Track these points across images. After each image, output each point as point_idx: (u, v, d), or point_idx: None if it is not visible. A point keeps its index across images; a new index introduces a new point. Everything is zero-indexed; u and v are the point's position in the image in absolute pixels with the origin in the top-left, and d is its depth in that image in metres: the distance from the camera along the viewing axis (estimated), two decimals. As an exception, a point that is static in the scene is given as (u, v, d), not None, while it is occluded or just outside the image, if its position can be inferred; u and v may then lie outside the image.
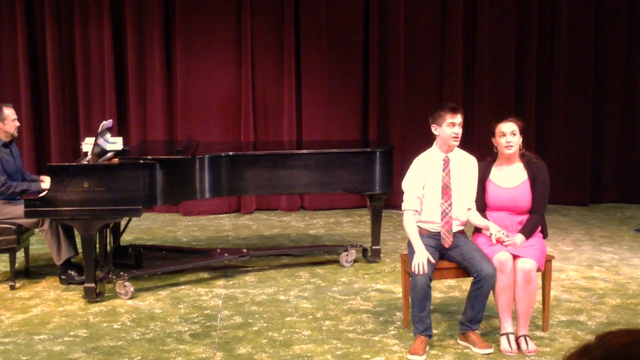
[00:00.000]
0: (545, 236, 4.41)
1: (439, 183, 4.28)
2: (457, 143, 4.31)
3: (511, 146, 4.27)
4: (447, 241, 4.26)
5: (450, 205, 4.27)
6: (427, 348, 4.17)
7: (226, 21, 8.16)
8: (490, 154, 4.43)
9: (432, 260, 4.12)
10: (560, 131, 8.57)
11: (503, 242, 4.17)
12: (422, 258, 4.08)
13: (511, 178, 4.33)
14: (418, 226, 4.28)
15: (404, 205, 4.30)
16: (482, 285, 4.12)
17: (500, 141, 4.30)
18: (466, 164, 4.37)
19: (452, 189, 4.28)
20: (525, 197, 4.29)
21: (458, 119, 4.26)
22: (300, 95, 8.34)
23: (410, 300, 4.23)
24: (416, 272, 4.06)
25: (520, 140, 4.31)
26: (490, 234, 4.18)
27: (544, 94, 8.58)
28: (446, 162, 4.31)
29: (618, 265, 6.00)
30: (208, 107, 8.20)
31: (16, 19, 7.91)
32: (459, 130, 4.26)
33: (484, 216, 4.35)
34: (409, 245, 4.25)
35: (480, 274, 4.11)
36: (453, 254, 4.28)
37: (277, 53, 8.23)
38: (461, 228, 4.36)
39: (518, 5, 8.44)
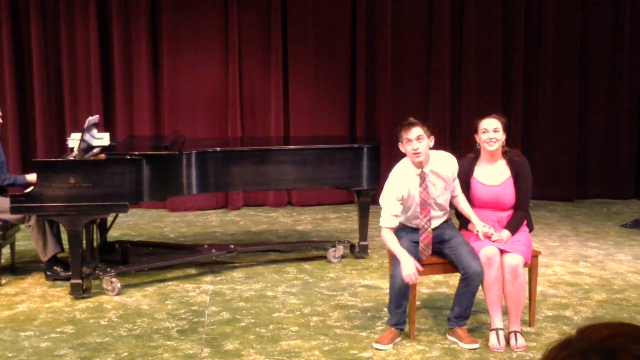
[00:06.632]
0: (531, 229, 4.42)
1: (418, 199, 4.19)
2: (421, 158, 4.13)
3: (494, 142, 4.24)
4: (425, 254, 4.20)
5: (429, 220, 4.19)
6: (398, 339, 4.20)
7: (213, 16, 8.13)
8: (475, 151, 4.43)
9: (420, 268, 4.12)
10: (547, 127, 8.62)
11: (490, 236, 4.18)
12: (410, 267, 4.04)
13: (495, 175, 4.33)
14: (401, 223, 4.25)
15: (382, 222, 4.19)
16: (470, 283, 4.13)
17: (482, 137, 4.28)
18: (445, 167, 4.23)
19: (431, 202, 4.19)
20: (509, 194, 4.30)
21: (413, 133, 4.10)
22: (287, 91, 8.33)
23: (389, 295, 4.25)
24: (408, 282, 4.06)
25: (504, 137, 4.30)
26: (477, 231, 4.20)
27: (530, 91, 8.62)
28: (422, 178, 4.18)
29: (604, 260, 6.04)
30: (195, 103, 8.18)
31: (0, 14, 7.85)
32: (417, 145, 4.10)
33: None
34: (392, 256, 4.22)
35: (467, 271, 4.11)
36: (441, 246, 4.27)
37: (265, 48, 8.22)
38: (445, 218, 4.32)
39: (504, 3, 8.46)
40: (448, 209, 4.34)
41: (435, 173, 4.20)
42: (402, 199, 4.18)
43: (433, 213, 4.23)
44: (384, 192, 4.23)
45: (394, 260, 4.19)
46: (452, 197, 4.35)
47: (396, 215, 4.18)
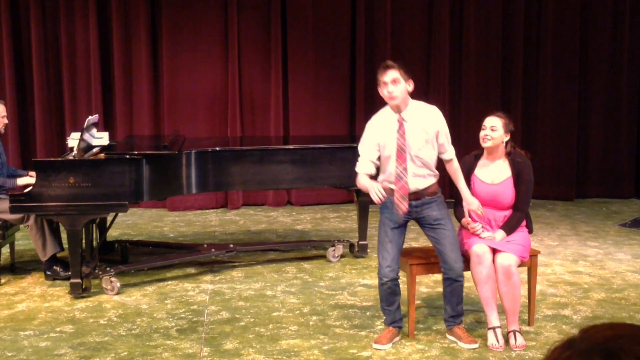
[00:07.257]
0: (530, 231, 4.42)
1: (395, 145, 4.05)
2: (396, 102, 3.99)
3: (488, 140, 4.24)
4: (402, 207, 4.02)
5: (405, 169, 4.02)
6: (397, 339, 4.20)
7: (213, 16, 8.13)
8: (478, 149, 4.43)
9: (403, 208, 4.00)
10: (546, 127, 8.62)
11: (478, 233, 4.18)
12: (375, 187, 3.88)
13: (495, 174, 4.33)
14: (388, 187, 4.08)
15: (357, 167, 4.10)
16: (451, 283, 4.13)
17: (480, 134, 4.30)
18: (426, 118, 4.07)
19: (408, 150, 4.02)
20: (507, 194, 4.29)
21: (389, 76, 3.96)
22: (287, 91, 8.34)
23: (378, 294, 4.24)
24: (377, 201, 3.90)
25: (506, 138, 4.29)
26: (468, 223, 4.19)
27: (530, 90, 8.62)
28: (400, 123, 4.03)
29: (603, 259, 6.04)
30: (195, 102, 8.18)
31: (0, 14, 7.84)
32: (392, 89, 3.96)
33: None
34: (379, 252, 4.16)
35: (448, 273, 4.11)
36: (428, 230, 4.15)
37: (264, 48, 8.22)
38: (429, 182, 4.13)
39: (504, 3, 8.46)
40: (435, 171, 4.15)
41: (414, 121, 4.05)
42: (379, 147, 4.06)
43: (413, 168, 4.04)
44: (362, 139, 4.14)
45: (379, 257, 4.16)
46: (446, 162, 4.18)
47: (372, 161, 4.06)
